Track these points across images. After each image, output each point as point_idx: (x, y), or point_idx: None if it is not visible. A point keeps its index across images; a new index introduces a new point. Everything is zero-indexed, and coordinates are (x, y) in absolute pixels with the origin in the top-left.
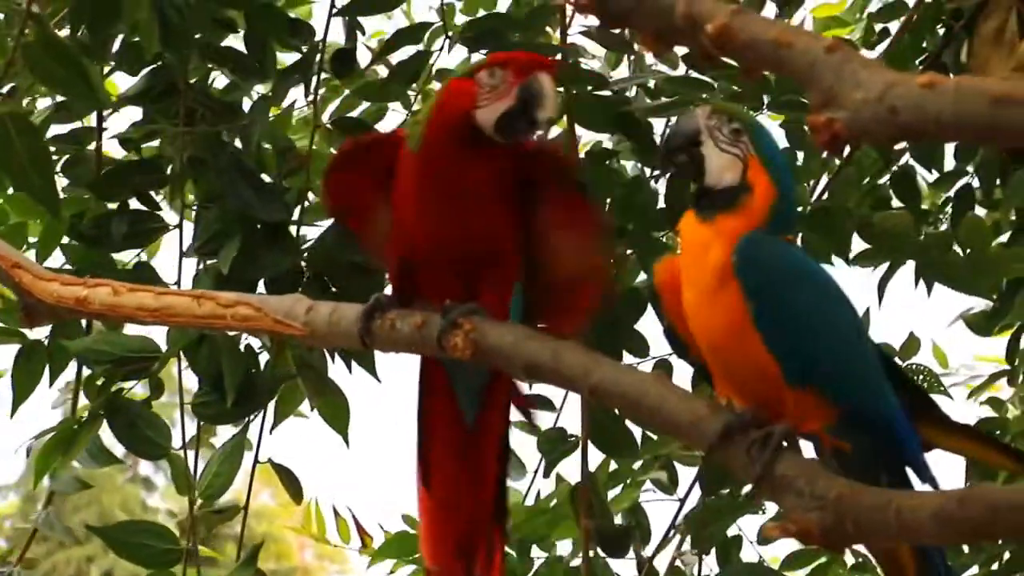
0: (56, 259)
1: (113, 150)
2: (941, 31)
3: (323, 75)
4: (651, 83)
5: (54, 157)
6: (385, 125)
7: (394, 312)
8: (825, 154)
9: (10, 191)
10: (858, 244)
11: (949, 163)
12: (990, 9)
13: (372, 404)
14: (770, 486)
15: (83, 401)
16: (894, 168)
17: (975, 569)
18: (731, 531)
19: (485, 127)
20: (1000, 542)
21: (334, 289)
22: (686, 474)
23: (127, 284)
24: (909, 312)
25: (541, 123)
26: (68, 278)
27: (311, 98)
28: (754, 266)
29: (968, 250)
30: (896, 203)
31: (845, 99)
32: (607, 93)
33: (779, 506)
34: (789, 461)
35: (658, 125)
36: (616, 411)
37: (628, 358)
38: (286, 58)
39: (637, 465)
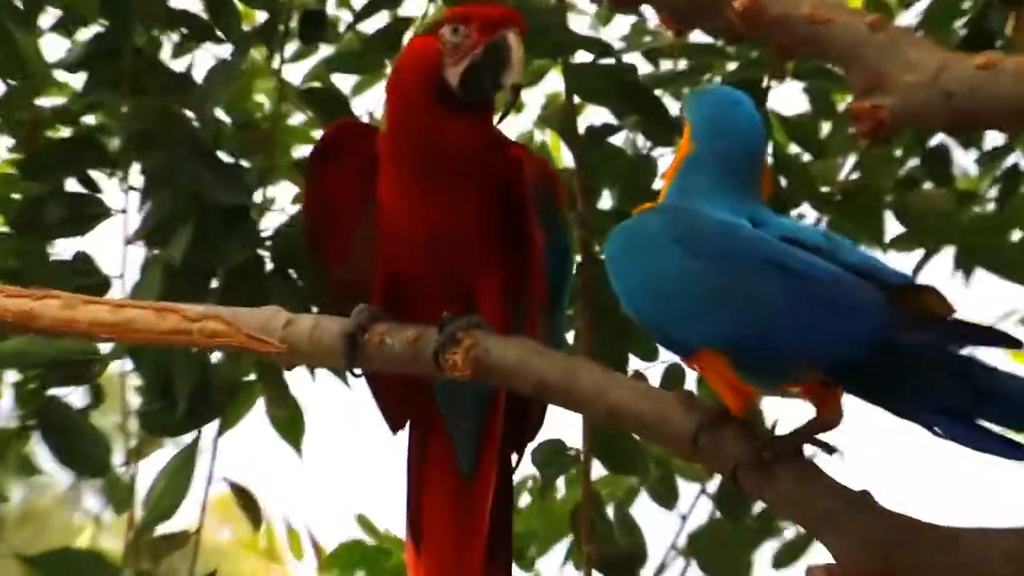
0: None
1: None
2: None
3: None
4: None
5: None
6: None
7: (383, 326)
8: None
9: None
10: (894, 228)
11: (991, 140)
12: None
13: (333, 410)
14: (814, 523)
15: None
16: (927, 149)
17: None
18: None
19: (453, 87)
20: None
21: (300, 283)
22: (687, 488)
23: (81, 296)
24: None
25: (507, 88)
26: (13, 289)
27: (274, 68)
28: (608, 259)
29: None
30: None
31: (893, 83)
32: (609, 61)
33: (824, 546)
34: (832, 494)
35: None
36: None
37: (634, 362)
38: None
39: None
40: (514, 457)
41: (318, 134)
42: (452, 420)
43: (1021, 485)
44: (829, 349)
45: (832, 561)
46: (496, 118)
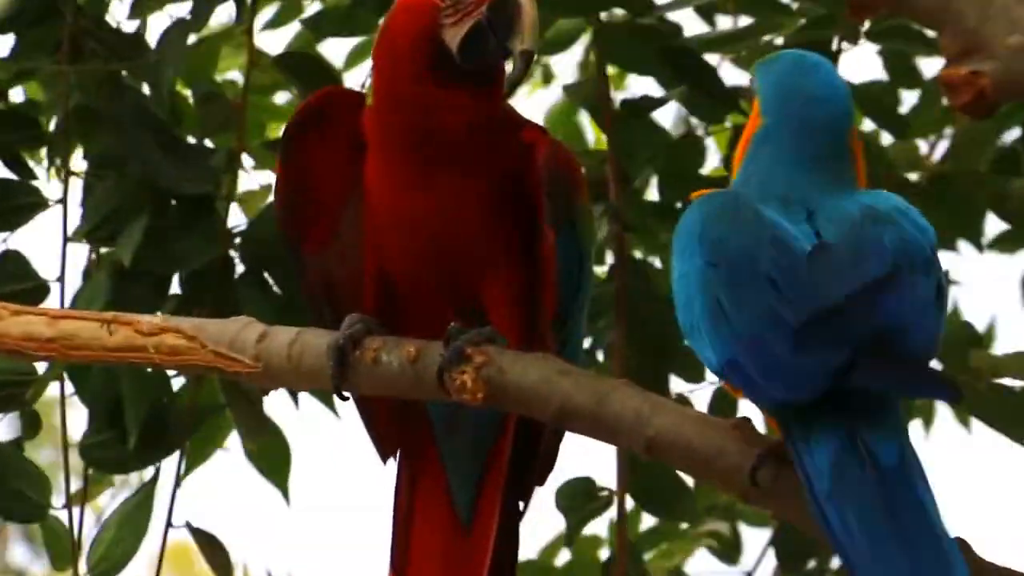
0: None
1: None
2: None
3: None
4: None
5: None
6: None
7: (378, 340)
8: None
9: None
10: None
11: None
12: None
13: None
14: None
15: None
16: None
17: None
18: None
19: (452, 51)
20: None
21: (276, 289)
22: (754, 537)
23: (10, 305)
24: None
25: (516, 55)
26: None
27: (243, 27)
28: None
29: None
30: None
31: (994, 46)
32: (649, 21)
33: None
34: None
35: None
36: None
37: (677, 384)
38: None
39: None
40: (521, 503)
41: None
42: (449, 452)
43: None
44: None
45: None
46: (506, 92)
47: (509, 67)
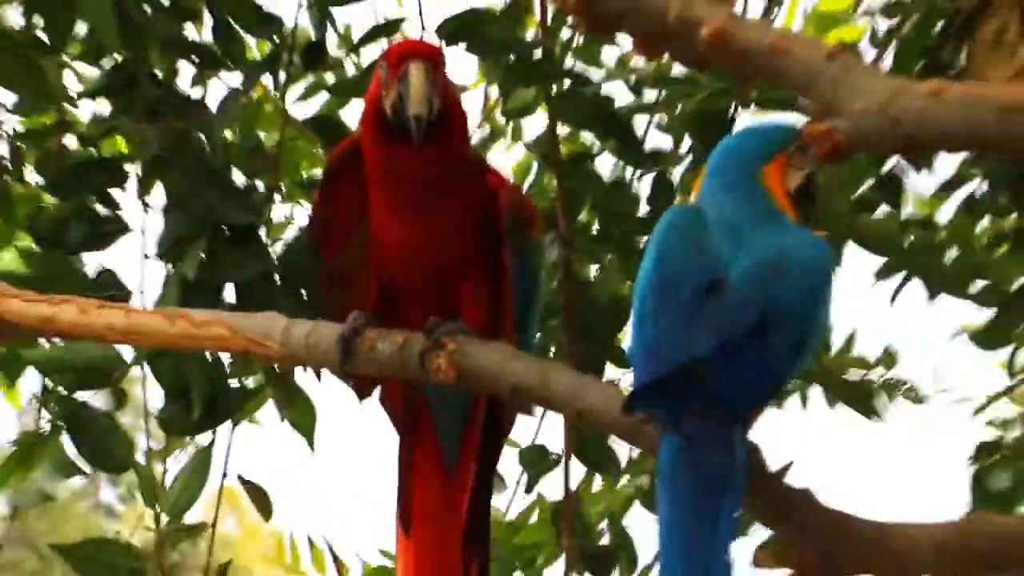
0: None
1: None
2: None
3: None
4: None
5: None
6: None
7: (375, 331)
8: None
9: None
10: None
11: (946, 168)
12: (991, 11)
13: (345, 420)
14: (764, 514)
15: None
16: (882, 173)
17: None
18: None
19: (389, 118)
20: None
21: (306, 296)
22: None
23: (94, 301)
24: (911, 328)
25: (411, 121)
26: (32, 295)
27: (279, 92)
28: None
29: (960, 254)
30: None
31: (846, 109)
32: (590, 91)
33: (775, 535)
34: (780, 489)
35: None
36: None
37: (611, 371)
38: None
39: (622, 483)
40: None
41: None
42: (439, 420)
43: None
44: None
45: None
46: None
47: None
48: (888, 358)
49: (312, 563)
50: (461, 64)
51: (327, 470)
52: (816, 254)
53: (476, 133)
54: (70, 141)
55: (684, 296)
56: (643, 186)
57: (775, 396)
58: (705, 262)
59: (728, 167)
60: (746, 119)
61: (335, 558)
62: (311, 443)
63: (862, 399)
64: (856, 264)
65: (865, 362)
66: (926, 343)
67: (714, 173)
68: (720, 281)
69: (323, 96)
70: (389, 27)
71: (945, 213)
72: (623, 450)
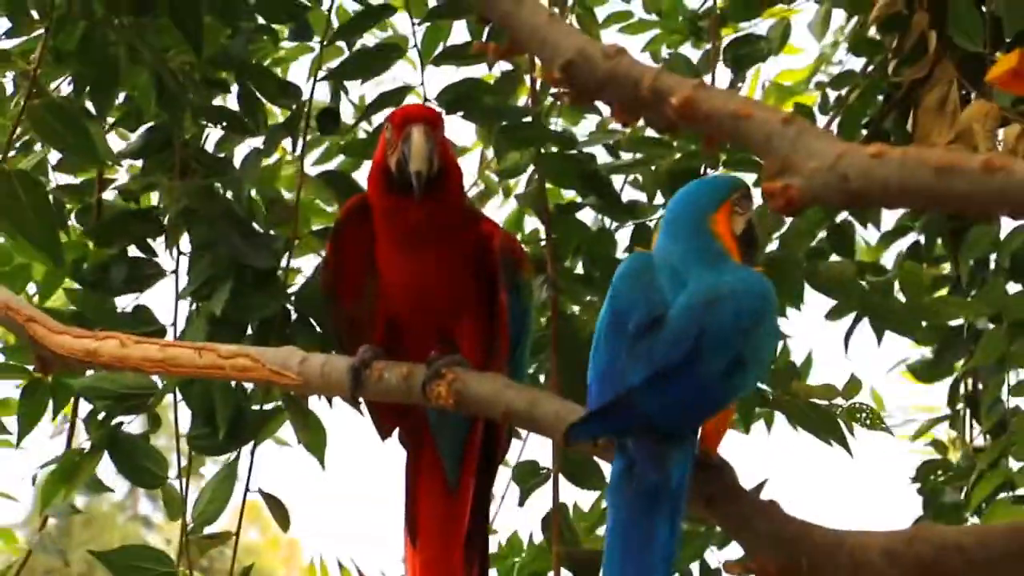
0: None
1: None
2: (882, 99)
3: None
4: (612, 142)
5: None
6: None
7: (382, 363)
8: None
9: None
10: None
11: (887, 221)
12: (933, 81)
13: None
14: (730, 525)
15: (80, 432)
16: (834, 223)
17: None
18: (712, 563)
19: (394, 176)
20: None
21: (319, 330)
22: None
23: (133, 336)
24: (850, 361)
25: (413, 176)
26: (78, 331)
27: (298, 153)
28: None
29: (907, 296)
30: (834, 257)
31: (799, 167)
32: (574, 152)
33: (738, 543)
34: (747, 500)
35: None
36: None
37: None
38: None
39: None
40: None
41: (333, 209)
42: (442, 442)
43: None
44: None
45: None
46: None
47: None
48: (852, 386)
49: None
50: (460, 128)
51: (344, 489)
52: (751, 284)
53: (472, 190)
54: (107, 194)
55: (628, 332)
56: (623, 233)
57: (710, 416)
58: (649, 301)
59: (680, 216)
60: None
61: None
62: (322, 462)
63: (826, 427)
64: (807, 306)
65: (832, 389)
66: (866, 375)
67: (668, 223)
68: (660, 317)
69: (339, 159)
70: (397, 95)
71: (887, 261)
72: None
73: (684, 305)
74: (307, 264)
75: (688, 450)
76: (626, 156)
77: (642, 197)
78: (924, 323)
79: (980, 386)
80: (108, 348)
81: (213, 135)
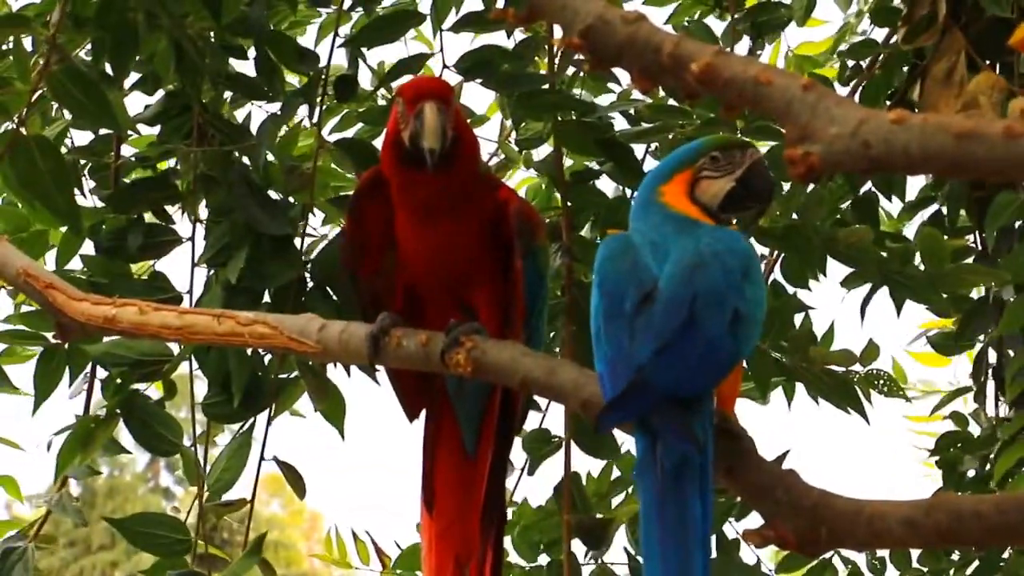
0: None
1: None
2: (906, 69)
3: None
4: (632, 110)
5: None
6: None
7: (401, 330)
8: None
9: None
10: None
11: (911, 192)
12: (941, 51)
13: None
14: (750, 494)
15: (97, 398)
16: (857, 195)
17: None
18: (731, 534)
19: (406, 148)
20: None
21: (335, 297)
22: None
23: (152, 304)
24: (871, 333)
25: (427, 153)
26: (97, 298)
27: (315, 120)
28: None
29: (927, 264)
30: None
31: (820, 134)
32: (592, 119)
33: (759, 513)
34: (766, 469)
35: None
36: None
37: None
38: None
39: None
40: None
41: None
42: (460, 410)
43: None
44: None
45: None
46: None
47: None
48: (870, 351)
49: (357, 555)
50: (479, 95)
51: (364, 460)
52: (730, 242)
53: (493, 160)
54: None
55: (625, 313)
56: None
57: (724, 374)
58: (638, 279)
59: (639, 196)
60: None
61: (377, 549)
62: (341, 432)
63: (844, 394)
64: (825, 280)
65: (851, 355)
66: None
67: (635, 202)
68: (651, 291)
69: (357, 127)
70: (415, 62)
71: (910, 232)
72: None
73: (671, 274)
74: (323, 230)
75: (708, 418)
76: (645, 125)
77: None
78: (944, 293)
79: (1004, 357)
80: (127, 315)
81: (231, 103)
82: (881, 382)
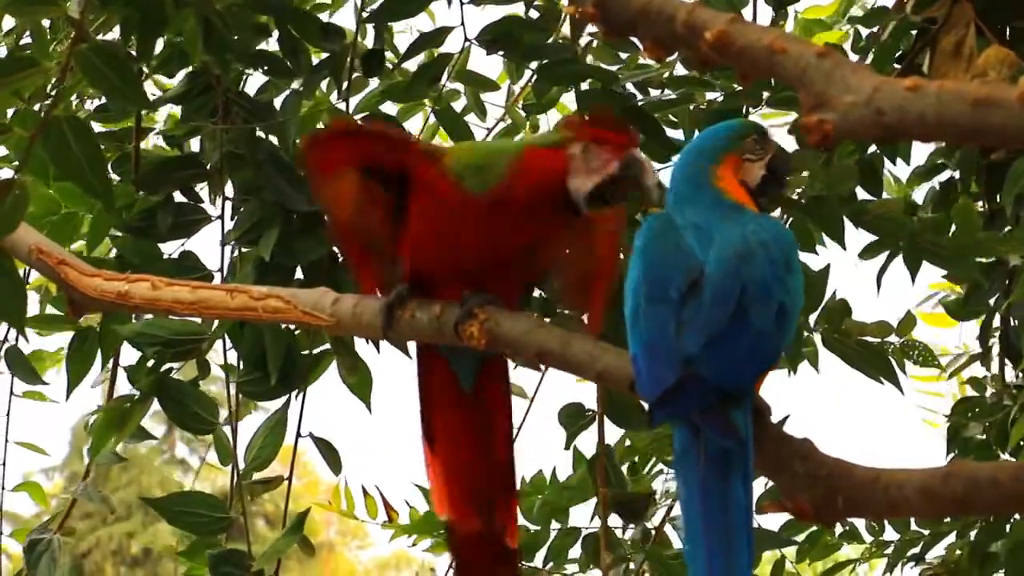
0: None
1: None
2: (915, 33)
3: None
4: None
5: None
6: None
7: (414, 303)
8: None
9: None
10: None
11: (917, 157)
12: (950, 24)
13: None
14: (769, 467)
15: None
16: (862, 159)
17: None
18: None
19: (577, 194)
20: None
21: None
22: None
23: (165, 279)
24: (881, 297)
25: (650, 188)
26: (110, 274)
27: (342, 97)
28: None
29: (956, 234)
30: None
31: (835, 102)
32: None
33: (775, 484)
34: (780, 441)
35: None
36: None
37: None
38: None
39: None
40: None
41: None
42: (452, 357)
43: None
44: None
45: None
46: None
47: None
48: (907, 322)
49: (366, 509)
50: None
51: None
52: (776, 232)
53: (500, 125)
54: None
55: (671, 299)
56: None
57: (771, 368)
58: (684, 264)
59: (683, 175)
60: (755, 118)
61: (386, 504)
62: (368, 405)
63: (879, 365)
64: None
65: (887, 327)
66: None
67: (674, 179)
68: (698, 279)
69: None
70: (436, 36)
71: (917, 198)
72: None
73: (718, 263)
74: None
75: (748, 404)
76: (655, 94)
77: (679, 136)
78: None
79: (1007, 323)
80: (139, 290)
81: (253, 80)
82: (916, 352)
